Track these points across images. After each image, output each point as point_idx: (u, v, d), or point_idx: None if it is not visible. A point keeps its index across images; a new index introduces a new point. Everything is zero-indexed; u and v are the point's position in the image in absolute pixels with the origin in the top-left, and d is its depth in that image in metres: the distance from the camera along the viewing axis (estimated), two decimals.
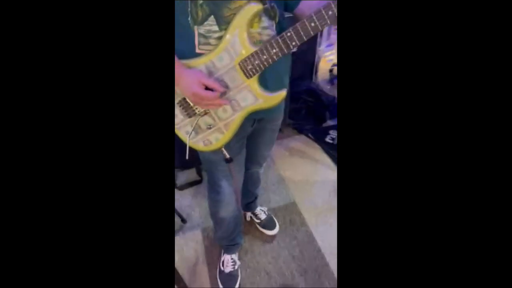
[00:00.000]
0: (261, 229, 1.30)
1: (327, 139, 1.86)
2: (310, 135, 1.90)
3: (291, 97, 1.95)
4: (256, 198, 1.28)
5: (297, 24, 0.57)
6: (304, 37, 0.58)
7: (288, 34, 0.58)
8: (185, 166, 1.64)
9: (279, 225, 1.32)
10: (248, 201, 1.26)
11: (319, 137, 1.87)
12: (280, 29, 0.66)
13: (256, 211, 1.31)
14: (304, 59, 2.02)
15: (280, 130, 1.93)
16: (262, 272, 1.16)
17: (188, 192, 1.54)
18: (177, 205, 1.45)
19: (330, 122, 1.99)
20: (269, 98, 0.66)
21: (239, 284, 1.11)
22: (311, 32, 0.58)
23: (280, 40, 0.59)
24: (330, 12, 0.55)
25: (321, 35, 2.27)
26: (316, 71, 2.19)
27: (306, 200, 1.46)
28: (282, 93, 0.66)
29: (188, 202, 1.48)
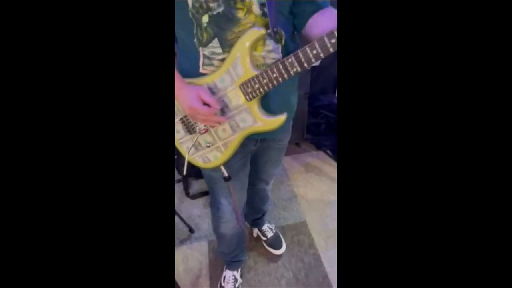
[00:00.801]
0: (267, 247, 1.27)
1: None
2: (328, 151, 1.85)
3: (311, 112, 1.92)
4: (264, 214, 1.25)
5: (299, 51, 0.56)
6: (306, 64, 0.56)
7: (289, 60, 0.57)
8: (200, 175, 1.67)
9: (286, 245, 1.29)
10: (256, 217, 1.24)
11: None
12: (287, 52, 0.65)
13: (263, 228, 1.28)
14: (326, 73, 1.98)
15: (298, 144, 1.93)
16: None
17: (200, 201, 1.56)
18: (187, 214, 1.47)
19: None
20: (269, 121, 0.65)
21: None
22: (313, 60, 0.56)
23: (280, 66, 0.58)
24: (333, 40, 0.53)
25: None
26: None
27: (317, 220, 1.40)
28: (282, 118, 0.65)
29: (198, 211, 1.49)
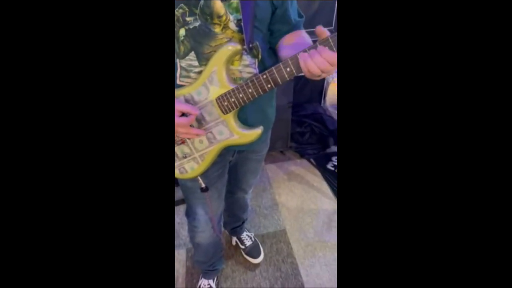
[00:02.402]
0: (245, 255, 1.27)
1: (329, 166, 1.82)
2: (312, 160, 1.87)
3: (296, 120, 1.94)
4: (243, 222, 1.25)
5: (273, 68, 0.57)
6: (280, 81, 0.58)
7: (264, 76, 0.58)
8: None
9: (265, 253, 1.29)
10: (235, 225, 1.24)
11: (321, 163, 1.83)
12: (264, 67, 0.66)
13: (242, 236, 1.28)
14: (312, 83, 2.02)
15: (282, 152, 1.95)
16: None
17: (181, 208, 1.54)
18: None
19: (334, 148, 1.94)
20: (244, 134, 0.66)
21: None
22: (286, 77, 0.57)
23: (256, 81, 0.59)
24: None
25: None
26: (325, 96, 2.17)
27: (297, 229, 1.41)
28: (257, 131, 0.66)
29: (178, 219, 1.48)
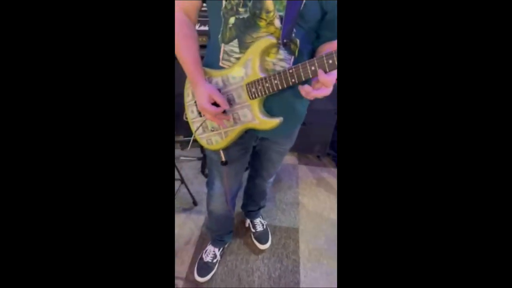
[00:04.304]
0: (253, 239, 1.35)
1: None
2: None
3: None
4: (259, 209, 1.33)
5: (300, 64, 0.62)
6: (303, 77, 0.63)
7: (290, 71, 0.64)
8: None
9: (272, 244, 1.35)
10: (251, 209, 1.33)
11: None
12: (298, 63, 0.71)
13: (255, 221, 1.36)
14: None
15: (318, 157, 1.94)
16: (235, 277, 1.21)
17: None
18: (196, 189, 1.62)
19: None
20: (264, 121, 0.72)
21: (211, 276, 1.19)
22: (310, 75, 0.61)
23: (282, 74, 0.65)
24: (330, 61, 0.58)
25: None
26: None
27: (310, 232, 1.43)
28: (276, 121, 0.72)
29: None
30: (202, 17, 1.35)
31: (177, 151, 1.96)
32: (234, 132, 0.79)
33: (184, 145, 1.94)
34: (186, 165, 1.84)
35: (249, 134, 0.81)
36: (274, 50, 0.69)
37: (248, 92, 0.71)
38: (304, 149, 1.89)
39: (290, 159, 1.93)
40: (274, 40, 0.65)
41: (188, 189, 1.49)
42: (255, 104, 0.72)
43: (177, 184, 1.48)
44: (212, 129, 0.82)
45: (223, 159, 0.85)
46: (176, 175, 1.43)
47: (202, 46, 0.77)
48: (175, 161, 1.84)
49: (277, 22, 0.66)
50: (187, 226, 1.42)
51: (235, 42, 0.71)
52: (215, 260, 1.22)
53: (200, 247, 1.32)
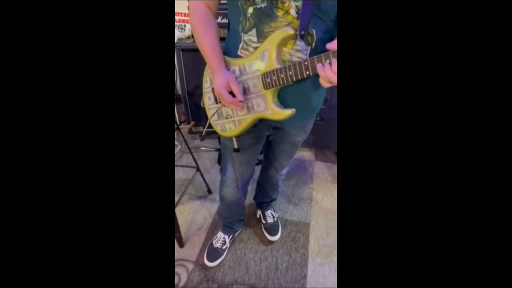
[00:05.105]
0: (263, 230, 1.37)
1: None
2: None
3: None
4: (271, 201, 1.34)
5: (315, 57, 0.62)
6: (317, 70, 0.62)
7: (305, 63, 0.64)
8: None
9: (282, 237, 1.36)
10: (263, 200, 1.34)
11: None
12: (315, 54, 0.71)
13: (267, 213, 1.38)
14: None
15: (336, 154, 1.91)
16: (243, 265, 1.24)
17: None
18: (212, 178, 1.67)
19: None
20: (276, 112, 0.73)
21: (220, 262, 1.23)
22: None
23: (297, 66, 0.65)
24: None
25: None
26: None
27: (321, 228, 1.42)
28: (288, 112, 0.72)
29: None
30: (222, 10, 1.37)
31: (197, 142, 2.02)
32: (247, 120, 0.80)
33: (203, 136, 2.00)
34: (204, 155, 1.89)
35: (263, 122, 0.82)
36: (291, 41, 0.69)
37: (263, 82, 0.72)
38: (321, 146, 1.87)
39: (306, 155, 1.92)
40: (292, 32, 0.65)
41: (203, 178, 1.54)
42: (269, 94, 0.73)
43: (192, 172, 1.52)
44: (227, 116, 0.84)
45: (235, 146, 0.87)
46: (193, 163, 1.48)
47: (222, 39, 0.79)
48: (195, 150, 1.90)
49: (292, 12, 0.67)
50: (200, 213, 1.47)
51: (253, 32, 0.72)
52: (224, 247, 1.25)
53: (211, 233, 1.36)
